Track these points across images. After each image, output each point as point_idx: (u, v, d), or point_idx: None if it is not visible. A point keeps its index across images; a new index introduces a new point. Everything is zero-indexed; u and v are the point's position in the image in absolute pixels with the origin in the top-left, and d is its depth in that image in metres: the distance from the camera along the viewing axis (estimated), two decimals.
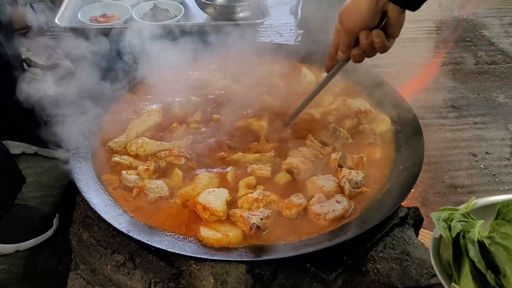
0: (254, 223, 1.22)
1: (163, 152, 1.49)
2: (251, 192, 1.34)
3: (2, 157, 1.76)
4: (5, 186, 1.77)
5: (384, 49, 1.26)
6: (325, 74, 1.83)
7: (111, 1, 2.66)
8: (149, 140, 1.54)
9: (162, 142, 1.54)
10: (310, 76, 1.82)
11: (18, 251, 1.82)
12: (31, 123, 2.15)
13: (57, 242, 1.87)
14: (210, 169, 1.44)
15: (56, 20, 2.40)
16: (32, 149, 2.25)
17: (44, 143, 2.19)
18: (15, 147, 2.23)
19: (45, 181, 2.14)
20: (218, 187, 1.36)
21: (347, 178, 1.37)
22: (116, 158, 1.47)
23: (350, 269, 1.21)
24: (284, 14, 3.58)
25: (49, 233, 1.87)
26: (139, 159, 1.49)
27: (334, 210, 1.28)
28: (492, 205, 1.10)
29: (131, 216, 1.30)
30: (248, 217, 1.24)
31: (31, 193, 2.07)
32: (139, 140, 1.52)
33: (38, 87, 1.70)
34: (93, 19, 2.51)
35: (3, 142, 2.11)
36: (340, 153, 1.45)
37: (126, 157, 1.49)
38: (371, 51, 1.27)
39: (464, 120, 2.65)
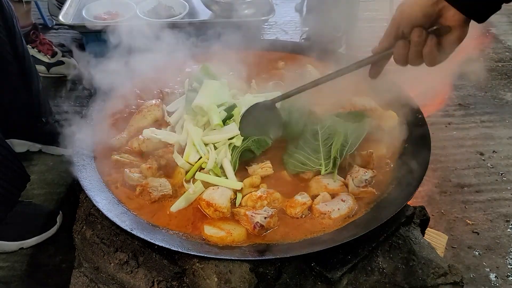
0: (257, 222, 1.21)
1: (160, 150, 1.47)
2: (255, 191, 1.33)
3: (6, 155, 1.76)
4: (9, 184, 1.76)
5: (431, 59, 1.10)
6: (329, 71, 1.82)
7: None
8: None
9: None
10: (315, 73, 1.80)
11: (22, 248, 1.82)
12: (35, 121, 2.16)
13: (61, 240, 1.87)
14: None
15: (61, 18, 2.40)
16: (36, 147, 2.25)
17: (48, 141, 2.19)
18: (20, 145, 2.23)
19: (49, 178, 2.14)
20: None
21: (352, 176, 1.36)
22: (116, 157, 1.46)
23: (355, 268, 1.20)
24: (289, 12, 3.57)
25: (52, 230, 1.87)
26: (141, 156, 1.48)
27: (339, 209, 1.27)
28: None
29: (134, 214, 1.29)
30: (252, 215, 1.22)
31: (35, 191, 2.07)
32: (141, 136, 1.51)
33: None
34: (98, 17, 2.51)
35: (8, 140, 2.12)
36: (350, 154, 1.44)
37: (126, 155, 1.48)
38: (416, 56, 1.11)
39: (471, 119, 2.62)
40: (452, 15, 1.04)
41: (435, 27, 1.08)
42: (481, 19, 1.03)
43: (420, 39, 1.08)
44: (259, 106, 1.46)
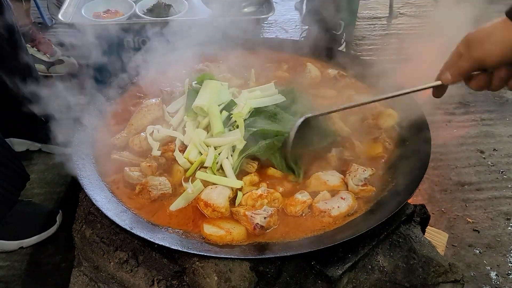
0: (257, 223, 1.20)
1: (161, 148, 1.47)
2: (255, 189, 1.32)
3: (6, 155, 1.76)
4: (9, 183, 1.76)
5: None
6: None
7: None
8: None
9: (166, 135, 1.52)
10: (314, 71, 1.80)
11: (21, 247, 1.82)
12: (35, 120, 2.15)
13: (61, 239, 1.86)
14: None
15: (60, 16, 2.40)
16: (36, 146, 2.25)
17: (48, 140, 2.19)
18: (19, 144, 2.23)
19: (49, 177, 2.14)
20: None
21: (350, 174, 1.35)
22: (115, 156, 1.45)
23: (355, 267, 1.20)
24: (288, 10, 3.57)
25: (52, 229, 1.87)
26: (141, 154, 1.48)
27: (338, 207, 1.27)
28: None
29: (134, 213, 1.29)
30: (251, 216, 1.22)
31: (35, 190, 2.07)
32: (142, 134, 1.50)
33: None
34: (97, 15, 2.50)
35: (7, 139, 2.12)
36: (334, 149, 1.45)
37: (126, 153, 1.47)
38: (500, 87, 1.08)
39: (472, 117, 2.62)
40: None
41: None
42: None
43: (507, 75, 1.06)
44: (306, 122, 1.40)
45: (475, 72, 1.10)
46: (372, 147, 1.47)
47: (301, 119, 1.34)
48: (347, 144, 1.46)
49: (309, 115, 1.36)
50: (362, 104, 1.34)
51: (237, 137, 1.42)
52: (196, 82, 1.64)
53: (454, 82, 1.14)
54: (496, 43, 1.01)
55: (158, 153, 1.45)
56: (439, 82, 1.17)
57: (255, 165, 1.41)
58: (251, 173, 1.39)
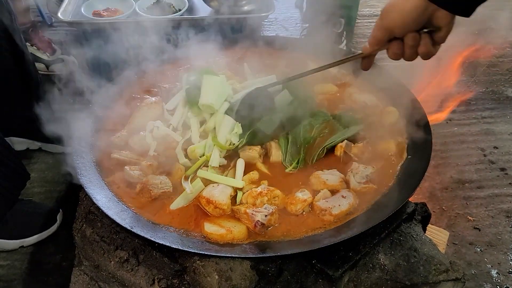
0: (258, 220, 1.20)
1: (162, 146, 1.46)
2: (255, 187, 1.32)
3: (6, 154, 1.75)
4: (9, 182, 1.76)
5: (428, 55, 1.20)
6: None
7: None
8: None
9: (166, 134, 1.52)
10: None
11: (22, 247, 1.82)
12: (35, 119, 2.15)
13: (61, 238, 1.86)
14: None
15: (59, 15, 2.39)
16: (36, 145, 2.25)
17: (48, 139, 2.19)
18: (19, 143, 2.22)
19: (49, 176, 2.14)
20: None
21: (352, 171, 1.35)
22: (115, 155, 1.45)
23: (356, 265, 1.20)
24: (289, 8, 3.56)
25: (53, 228, 1.86)
26: (141, 153, 1.47)
27: (339, 205, 1.26)
28: None
29: (134, 212, 1.29)
30: (252, 214, 1.22)
31: (35, 189, 2.07)
32: (142, 133, 1.50)
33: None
34: (97, 13, 2.50)
35: (7, 138, 2.11)
36: (346, 141, 1.45)
37: (126, 153, 1.47)
38: (412, 55, 1.20)
39: (472, 114, 2.61)
40: (442, 16, 1.11)
41: (426, 30, 1.17)
42: (468, 14, 1.10)
43: (415, 42, 1.17)
44: (260, 93, 1.49)
45: (391, 42, 1.21)
46: (375, 146, 1.47)
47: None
48: (359, 142, 1.45)
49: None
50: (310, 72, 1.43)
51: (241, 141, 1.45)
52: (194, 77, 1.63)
53: (372, 51, 1.26)
54: (398, 11, 1.14)
55: (155, 153, 1.44)
56: (360, 52, 1.29)
57: (257, 148, 1.43)
58: (255, 161, 1.42)
